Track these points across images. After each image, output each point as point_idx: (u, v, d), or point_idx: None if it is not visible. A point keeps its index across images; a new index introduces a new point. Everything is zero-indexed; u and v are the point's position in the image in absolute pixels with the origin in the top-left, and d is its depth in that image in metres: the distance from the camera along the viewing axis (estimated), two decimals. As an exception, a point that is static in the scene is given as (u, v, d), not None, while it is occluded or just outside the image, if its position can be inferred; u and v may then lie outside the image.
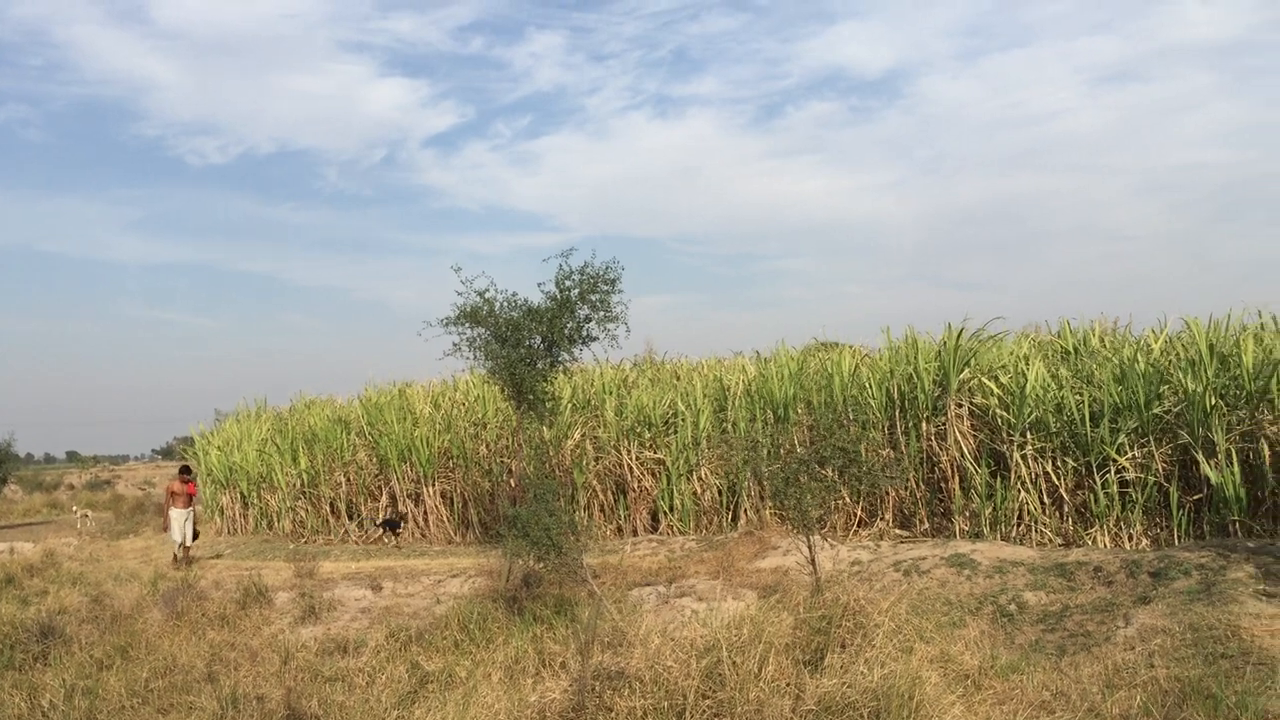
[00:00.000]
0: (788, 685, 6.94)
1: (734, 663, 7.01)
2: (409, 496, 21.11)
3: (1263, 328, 15.03)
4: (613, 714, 7.09)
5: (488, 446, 20.29)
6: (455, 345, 15.38)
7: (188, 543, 19.56)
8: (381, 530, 20.93)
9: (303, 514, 23.09)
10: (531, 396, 15.38)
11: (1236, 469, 12.45)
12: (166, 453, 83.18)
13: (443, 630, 12.36)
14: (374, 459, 21.95)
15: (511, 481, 19.11)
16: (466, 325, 15.21)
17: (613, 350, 15.54)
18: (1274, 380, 12.65)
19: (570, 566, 12.50)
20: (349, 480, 22.40)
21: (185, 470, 20.62)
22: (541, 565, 13.05)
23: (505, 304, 15.20)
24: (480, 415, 20.76)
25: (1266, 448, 12.53)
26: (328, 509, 22.72)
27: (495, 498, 19.33)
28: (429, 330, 15.40)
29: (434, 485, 20.73)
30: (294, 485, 23.36)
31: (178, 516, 19.46)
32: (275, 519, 23.87)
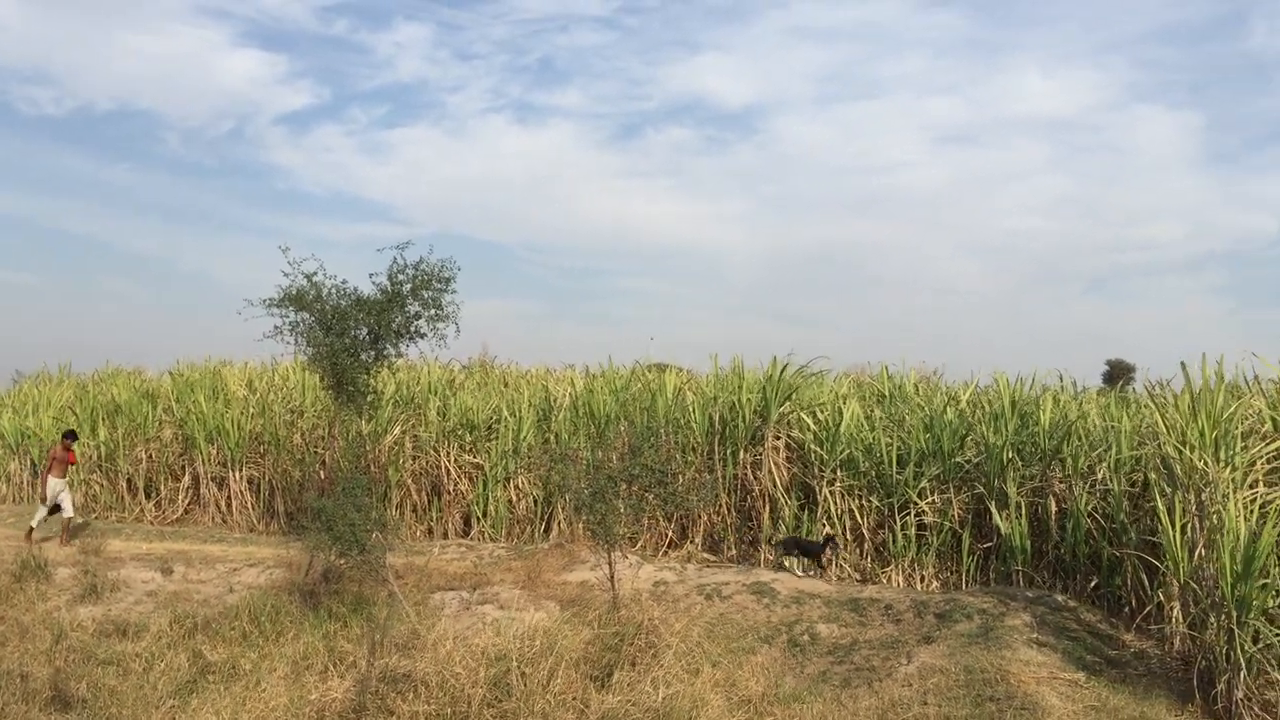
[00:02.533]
0: (574, 699, 6.94)
1: (523, 673, 6.98)
2: (213, 480, 20.28)
3: (1062, 390, 15.92)
4: (394, 717, 6.95)
5: (303, 435, 19.69)
6: (277, 328, 14.83)
7: (68, 513, 17.36)
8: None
9: (97, 488, 21.91)
10: (352, 388, 14.97)
11: (1025, 522, 13.11)
12: (-44, 411, 77.57)
13: (232, 620, 11.94)
14: (180, 437, 21.01)
15: (323, 473, 18.59)
16: (290, 309, 14.68)
17: (441, 349, 15.23)
18: (1066, 441, 13.38)
19: (372, 565, 12.23)
20: (150, 457, 21.36)
21: (70, 435, 18.36)
22: (343, 561, 12.73)
23: (333, 291, 14.74)
24: (298, 402, 20.15)
25: (1054, 504, 13.24)
26: (124, 485, 21.62)
27: (305, 488, 18.75)
28: (250, 310, 14.79)
29: (241, 470, 19.97)
30: (90, 457, 22.15)
31: (55, 485, 17.19)
32: (66, 491, 22.57)
